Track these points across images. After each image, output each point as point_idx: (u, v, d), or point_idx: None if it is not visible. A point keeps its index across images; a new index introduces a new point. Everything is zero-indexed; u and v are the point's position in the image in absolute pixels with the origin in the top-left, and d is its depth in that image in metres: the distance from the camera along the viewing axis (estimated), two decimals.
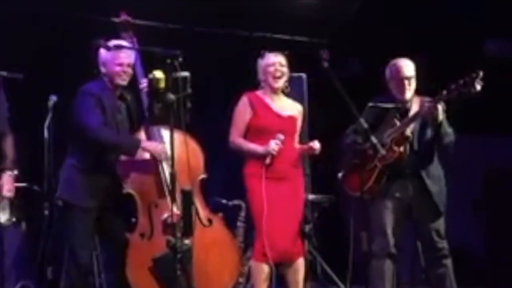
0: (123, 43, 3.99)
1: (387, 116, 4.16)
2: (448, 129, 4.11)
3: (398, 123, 4.11)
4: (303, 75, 5.31)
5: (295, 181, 4.18)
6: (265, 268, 4.06)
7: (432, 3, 5.40)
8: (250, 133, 4.17)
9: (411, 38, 5.52)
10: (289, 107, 4.27)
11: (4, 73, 3.86)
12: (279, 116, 4.18)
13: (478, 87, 3.86)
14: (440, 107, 3.98)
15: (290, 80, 4.35)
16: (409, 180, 4.14)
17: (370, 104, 4.23)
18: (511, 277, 5.73)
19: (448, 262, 4.13)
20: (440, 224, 4.15)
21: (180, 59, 3.51)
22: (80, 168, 3.93)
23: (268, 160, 4.07)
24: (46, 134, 4.21)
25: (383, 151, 4.06)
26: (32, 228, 4.70)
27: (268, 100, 4.20)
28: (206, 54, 5.32)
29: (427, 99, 4.10)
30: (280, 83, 4.18)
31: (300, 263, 4.14)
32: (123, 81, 3.99)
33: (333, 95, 4.15)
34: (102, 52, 3.97)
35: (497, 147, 6.10)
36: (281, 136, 4.09)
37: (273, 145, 4.06)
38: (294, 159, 4.19)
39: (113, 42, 3.93)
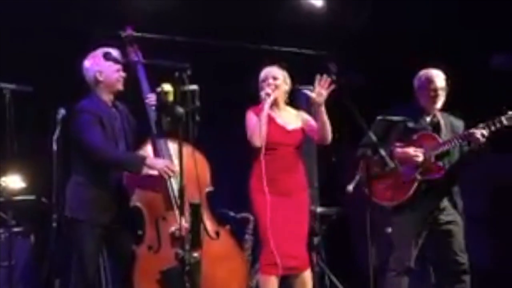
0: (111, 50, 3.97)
1: (395, 129, 4.16)
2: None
3: (441, 140, 4.13)
4: (311, 88, 5.31)
5: (300, 194, 4.18)
6: (274, 281, 4.05)
7: (439, 16, 5.41)
8: (255, 148, 4.14)
9: (417, 51, 5.52)
10: (294, 119, 4.26)
11: (13, 86, 3.88)
12: (284, 130, 4.19)
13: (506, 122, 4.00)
14: (485, 133, 4.06)
15: (297, 93, 4.36)
16: (441, 195, 4.14)
17: (379, 117, 4.23)
18: None
19: (467, 278, 4.11)
20: (462, 237, 4.17)
21: (189, 72, 3.52)
22: (86, 184, 3.94)
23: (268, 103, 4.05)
24: (55, 146, 4.23)
25: (392, 164, 4.06)
26: (40, 240, 4.71)
27: (272, 114, 4.19)
28: (213, 67, 5.34)
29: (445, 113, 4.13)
30: (271, 98, 4.15)
31: (307, 275, 4.14)
32: (121, 85, 4.03)
33: (341, 107, 4.15)
34: (93, 61, 3.98)
35: (505, 163, 6.09)
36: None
37: (268, 90, 4.10)
38: (299, 172, 4.19)
39: (102, 50, 3.93)
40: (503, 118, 4.03)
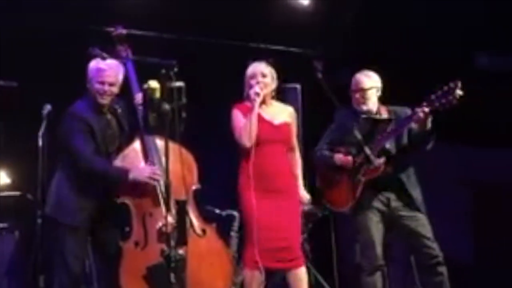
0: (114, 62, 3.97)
1: (379, 127, 4.19)
2: (432, 135, 4.15)
3: (379, 136, 4.13)
4: (298, 86, 5.34)
5: (290, 189, 4.16)
6: (258, 275, 4.05)
7: (425, 15, 5.45)
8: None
9: (403, 49, 5.56)
10: (280, 113, 4.24)
11: None
12: (271, 124, 4.17)
13: (458, 96, 3.89)
14: (428, 111, 4.00)
15: (284, 91, 4.36)
16: (390, 190, 4.17)
17: (364, 115, 4.26)
18: (498, 286, 5.78)
19: (444, 269, 4.14)
20: (427, 229, 4.17)
21: (175, 69, 3.53)
22: (69, 185, 3.94)
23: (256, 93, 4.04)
24: (40, 142, 4.22)
25: (376, 162, 4.10)
26: (25, 237, 4.69)
27: (258, 110, 4.13)
28: (200, 64, 5.34)
29: (391, 107, 4.18)
30: (260, 97, 4.11)
31: (303, 271, 4.12)
32: (103, 100, 3.96)
33: (328, 105, 4.18)
34: (90, 66, 3.97)
35: (487, 160, 6.16)
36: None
37: (257, 89, 4.07)
38: (288, 166, 4.18)
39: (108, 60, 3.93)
40: (456, 93, 3.95)
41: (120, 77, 4.00)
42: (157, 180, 3.85)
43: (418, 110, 4.00)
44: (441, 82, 4.04)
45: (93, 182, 3.91)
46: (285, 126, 4.21)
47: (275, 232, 4.03)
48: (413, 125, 4.11)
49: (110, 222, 4.02)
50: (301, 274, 4.11)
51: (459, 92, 3.88)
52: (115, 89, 3.98)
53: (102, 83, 3.94)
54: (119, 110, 4.05)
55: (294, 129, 4.29)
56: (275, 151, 4.14)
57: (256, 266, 4.04)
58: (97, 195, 3.94)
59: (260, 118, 4.15)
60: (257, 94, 4.10)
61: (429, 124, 4.04)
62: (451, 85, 3.90)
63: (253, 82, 4.15)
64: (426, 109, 3.98)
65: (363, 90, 4.23)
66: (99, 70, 3.93)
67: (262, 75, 4.16)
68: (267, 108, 4.22)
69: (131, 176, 3.87)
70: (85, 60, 4.01)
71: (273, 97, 4.26)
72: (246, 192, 4.10)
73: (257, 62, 4.22)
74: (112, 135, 4.00)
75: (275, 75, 4.24)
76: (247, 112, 4.13)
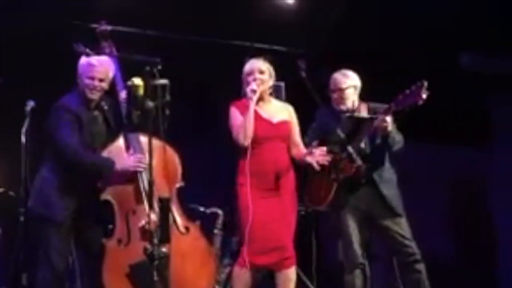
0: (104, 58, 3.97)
1: (363, 126, 4.21)
2: (397, 137, 4.19)
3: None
4: (282, 84, 5.36)
5: (288, 188, 4.11)
6: (247, 274, 4.05)
7: (409, 15, 5.48)
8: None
9: (386, 48, 5.60)
10: (279, 111, 4.19)
11: None
12: (270, 123, 4.12)
13: (424, 96, 3.93)
14: (389, 119, 4.05)
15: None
16: (365, 189, 4.20)
17: (347, 114, 4.29)
18: (480, 283, 5.84)
19: (421, 267, 4.17)
20: (403, 227, 4.20)
21: (159, 66, 3.53)
22: (54, 181, 3.93)
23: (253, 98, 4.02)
24: (23, 139, 4.20)
25: (359, 161, 4.12)
26: (8, 234, 4.67)
27: (256, 108, 4.09)
28: (185, 62, 5.35)
29: (372, 104, 4.22)
30: (257, 94, 4.07)
31: (292, 272, 4.09)
32: (92, 95, 3.95)
33: (312, 103, 4.19)
34: (81, 62, 3.97)
35: (465, 159, 6.23)
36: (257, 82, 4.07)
37: (254, 86, 4.04)
38: (286, 164, 4.12)
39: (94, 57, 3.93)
40: (421, 93, 3.95)
41: (111, 73, 3.99)
42: (142, 167, 3.84)
43: (379, 117, 4.06)
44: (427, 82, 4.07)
45: (78, 176, 3.90)
46: (284, 124, 4.16)
47: (270, 231, 4.00)
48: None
49: (93, 220, 4.01)
50: (291, 274, 4.10)
51: (425, 92, 3.92)
52: (104, 85, 3.98)
53: (92, 78, 3.93)
54: (105, 107, 4.04)
55: (296, 127, 4.23)
56: (274, 149, 4.10)
57: (245, 265, 4.01)
58: (82, 191, 3.93)
59: (258, 116, 4.09)
60: (254, 91, 4.05)
61: (389, 128, 4.07)
62: (418, 84, 3.94)
63: (250, 79, 4.10)
64: (387, 118, 4.03)
65: (340, 90, 4.26)
66: (89, 65, 3.93)
67: (260, 71, 4.11)
68: (265, 106, 4.16)
69: (117, 166, 3.86)
70: (70, 56, 4.00)
71: (271, 94, 4.21)
72: (241, 190, 4.06)
73: (254, 58, 4.16)
74: (98, 132, 4.00)
75: (272, 72, 4.18)
76: (245, 110, 4.08)
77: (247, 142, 4.03)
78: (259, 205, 4.00)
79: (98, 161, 3.92)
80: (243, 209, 4.05)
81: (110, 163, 3.88)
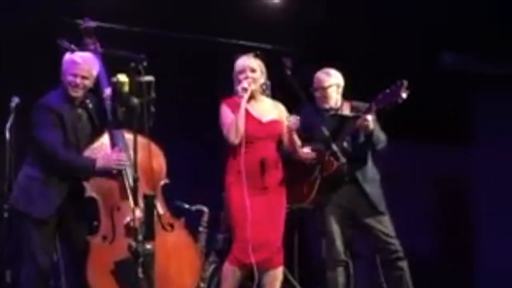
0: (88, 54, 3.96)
1: (346, 124, 4.24)
2: (380, 136, 4.23)
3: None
4: (268, 82, 5.36)
5: (277, 187, 4.12)
6: (237, 272, 4.06)
7: (392, 15, 5.51)
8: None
9: (369, 47, 5.63)
10: (270, 110, 4.17)
11: None
12: (260, 122, 4.10)
13: (404, 95, 3.97)
14: (371, 118, 4.09)
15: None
16: (347, 187, 4.23)
17: (331, 112, 4.32)
18: (462, 281, 5.90)
19: (404, 264, 4.22)
20: (386, 225, 4.24)
21: (145, 63, 3.52)
22: (37, 178, 3.91)
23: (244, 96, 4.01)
24: (7, 135, 4.18)
25: (343, 159, 4.15)
26: None
27: (247, 106, 4.07)
28: (170, 59, 5.34)
29: (354, 103, 4.26)
30: (248, 93, 4.06)
31: (279, 271, 4.11)
32: (75, 93, 3.93)
33: (298, 101, 4.21)
34: (64, 59, 3.95)
35: (447, 157, 6.29)
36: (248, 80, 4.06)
37: (245, 84, 4.04)
38: (275, 163, 4.12)
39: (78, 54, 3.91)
40: (401, 92, 3.99)
41: (94, 71, 3.97)
42: (124, 166, 3.84)
43: (362, 117, 4.09)
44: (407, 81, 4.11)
45: (61, 174, 3.89)
46: (274, 123, 4.14)
47: (258, 230, 3.99)
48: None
49: (78, 217, 3.99)
50: (279, 274, 4.11)
51: (405, 91, 3.96)
52: (88, 83, 3.95)
53: (75, 75, 3.91)
54: (90, 105, 4.03)
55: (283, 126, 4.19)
56: (264, 148, 4.09)
57: (237, 264, 4.04)
58: (65, 188, 3.91)
59: (248, 115, 4.07)
60: (245, 89, 4.04)
61: (371, 127, 4.11)
62: (398, 84, 3.99)
63: (241, 77, 4.08)
64: (369, 117, 4.06)
65: (323, 88, 4.30)
66: (73, 63, 3.91)
67: (251, 69, 4.09)
68: (256, 104, 4.15)
69: (98, 165, 3.85)
70: (54, 52, 3.98)
71: (263, 91, 4.19)
72: (233, 189, 4.07)
73: (246, 56, 4.14)
74: (82, 130, 3.98)
75: (264, 69, 4.17)
76: (236, 108, 4.07)
77: (237, 140, 4.02)
78: (246, 203, 4.00)
79: (77, 162, 3.89)
80: (235, 208, 4.05)
81: (89, 164, 3.86)
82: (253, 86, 4.09)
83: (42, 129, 3.85)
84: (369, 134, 4.16)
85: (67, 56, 3.95)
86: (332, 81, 4.31)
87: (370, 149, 4.25)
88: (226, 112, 4.10)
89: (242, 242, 4.00)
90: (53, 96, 3.96)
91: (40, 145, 3.86)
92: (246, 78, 4.08)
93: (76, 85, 3.91)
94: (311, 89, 4.35)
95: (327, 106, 4.30)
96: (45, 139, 3.84)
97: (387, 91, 4.02)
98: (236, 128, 4.02)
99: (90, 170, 3.85)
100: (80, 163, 3.90)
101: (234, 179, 4.07)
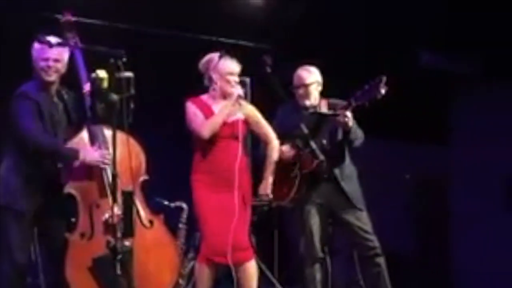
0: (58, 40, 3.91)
1: (325, 122, 4.26)
2: (358, 133, 4.25)
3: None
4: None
5: (241, 185, 4.12)
6: (207, 270, 4.07)
7: (372, 12, 5.55)
8: (197, 140, 4.12)
9: (348, 46, 5.66)
10: (235, 110, 4.17)
11: None
12: (224, 122, 4.11)
13: (383, 91, 4.01)
14: (350, 114, 4.11)
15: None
16: (326, 184, 4.25)
17: (311, 110, 4.34)
18: (440, 278, 5.96)
19: (381, 260, 4.25)
20: (364, 221, 4.27)
21: (124, 59, 3.50)
22: (17, 171, 3.88)
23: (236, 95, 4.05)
24: None
25: (322, 157, 4.17)
26: None
27: (214, 105, 4.13)
28: (150, 55, 5.33)
29: (331, 100, 4.28)
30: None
31: (252, 265, 4.12)
32: (48, 76, 3.90)
33: (278, 99, 4.22)
34: (34, 47, 3.91)
35: (427, 155, 6.34)
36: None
37: (241, 92, 4.08)
38: (240, 162, 4.13)
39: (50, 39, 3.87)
40: (380, 88, 4.03)
41: (65, 55, 3.93)
42: (107, 164, 3.83)
43: (341, 113, 4.11)
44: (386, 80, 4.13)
45: (40, 168, 3.87)
46: (239, 122, 4.16)
47: (224, 227, 4.01)
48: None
49: (56, 213, 3.97)
50: (251, 268, 4.11)
51: (383, 87, 4.00)
52: (60, 66, 3.92)
53: (46, 59, 3.87)
54: (66, 96, 4.00)
55: (261, 123, 4.22)
56: (228, 147, 4.11)
57: (207, 262, 4.05)
58: (44, 184, 3.89)
59: (214, 114, 4.11)
60: (240, 96, 4.11)
61: (350, 124, 4.13)
62: (376, 80, 4.02)
63: (230, 79, 4.12)
64: (348, 113, 4.09)
65: (305, 86, 4.32)
66: (43, 48, 3.85)
67: (238, 75, 4.16)
68: (221, 105, 4.16)
69: (82, 156, 3.84)
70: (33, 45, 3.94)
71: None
72: (198, 186, 4.09)
73: (230, 59, 4.15)
74: (58, 120, 3.96)
75: None
76: (202, 106, 4.11)
77: (208, 136, 4.05)
78: (213, 201, 4.04)
79: (62, 149, 3.89)
80: (198, 206, 4.09)
81: (74, 152, 3.85)
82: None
83: (24, 118, 3.82)
84: (348, 131, 4.18)
85: (36, 44, 3.90)
86: (313, 78, 4.34)
87: (347, 146, 4.28)
88: (191, 109, 4.13)
89: (209, 240, 4.03)
90: (29, 85, 3.94)
91: (22, 134, 3.83)
92: (235, 82, 4.13)
93: (48, 68, 3.88)
94: (291, 87, 4.37)
95: (307, 103, 4.32)
96: (26, 126, 3.81)
97: (366, 87, 4.05)
98: (214, 126, 4.05)
99: (73, 158, 3.83)
100: (65, 149, 3.89)
101: (200, 177, 4.10)
